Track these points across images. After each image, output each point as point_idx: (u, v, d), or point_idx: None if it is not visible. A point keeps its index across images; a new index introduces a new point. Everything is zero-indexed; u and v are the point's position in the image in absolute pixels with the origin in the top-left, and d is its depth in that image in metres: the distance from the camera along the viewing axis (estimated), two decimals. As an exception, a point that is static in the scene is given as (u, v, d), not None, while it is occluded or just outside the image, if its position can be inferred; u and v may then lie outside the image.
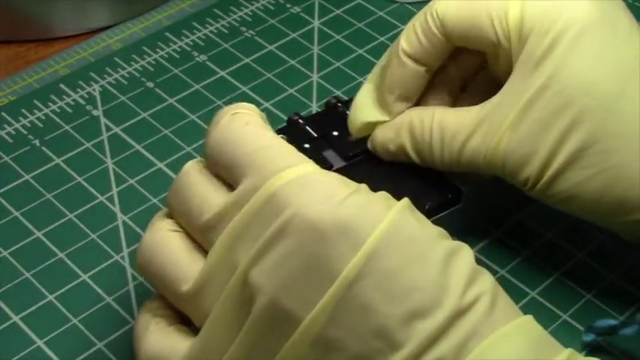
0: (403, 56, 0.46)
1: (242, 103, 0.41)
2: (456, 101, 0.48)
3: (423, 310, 0.35)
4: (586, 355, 0.45)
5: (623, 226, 0.44)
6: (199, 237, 0.39)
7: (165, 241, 0.40)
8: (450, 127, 0.45)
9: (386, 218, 0.36)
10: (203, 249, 0.39)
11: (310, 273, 0.35)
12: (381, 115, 0.47)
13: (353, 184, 0.38)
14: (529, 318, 0.37)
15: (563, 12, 0.43)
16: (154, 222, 0.41)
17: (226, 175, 0.39)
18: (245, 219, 0.37)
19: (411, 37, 0.46)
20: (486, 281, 0.37)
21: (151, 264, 0.40)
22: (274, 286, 0.36)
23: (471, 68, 0.49)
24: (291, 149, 0.38)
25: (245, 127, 0.39)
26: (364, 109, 0.48)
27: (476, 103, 0.45)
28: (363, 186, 0.38)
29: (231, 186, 0.39)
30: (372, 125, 0.48)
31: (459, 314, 0.35)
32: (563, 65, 0.43)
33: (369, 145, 0.48)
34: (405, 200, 0.38)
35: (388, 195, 0.38)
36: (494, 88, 0.45)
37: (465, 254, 0.37)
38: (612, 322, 0.44)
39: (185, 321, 0.40)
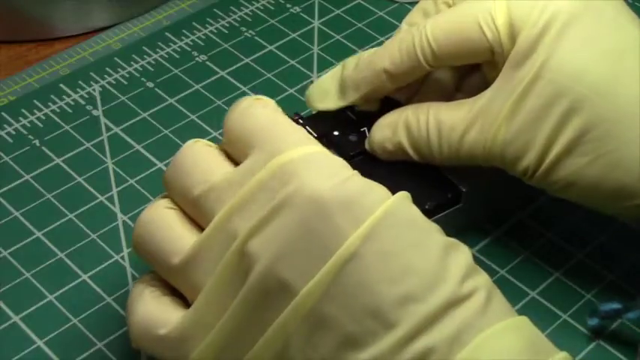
0: (383, 74, 0.47)
1: (261, 96, 0.42)
2: (450, 100, 0.49)
3: (418, 294, 0.35)
4: (590, 338, 0.45)
5: (624, 210, 0.44)
6: (194, 209, 0.39)
7: (160, 217, 0.40)
8: (446, 121, 0.45)
9: (389, 200, 0.36)
10: (197, 224, 0.39)
11: (309, 245, 0.36)
12: (333, 103, 0.49)
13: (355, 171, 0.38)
14: (525, 319, 0.37)
15: (548, 4, 0.44)
16: (151, 203, 0.41)
17: (235, 150, 0.40)
18: (249, 191, 0.37)
19: (395, 59, 0.46)
20: (483, 277, 0.37)
21: (145, 241, 0.40)
22: (272, 256, 0.36)
23: (465, 69, 0.49)
24: (301, 131, 0.39)
25: (262, 109, 0.40)
26: (324, 93, 0.49)
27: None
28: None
29: (236, 163, 0.39)
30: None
31: (454, 303, 0.35)
32: (553, 54, 0.43)
33: (366, 145, 0.48)
34: (405, 192, 0.38)
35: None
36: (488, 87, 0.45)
37: (464, 250, 0.37)
38: (616, 305, 0.44)
39: (180, 296, 0.40)
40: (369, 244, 0.35)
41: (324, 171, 0.37)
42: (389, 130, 0.47)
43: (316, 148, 0.38)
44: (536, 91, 0.43)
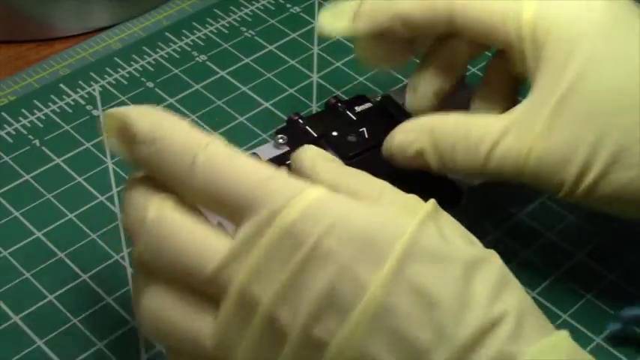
0: (399, 17, 0.46)
1: (174, 120, 0.37)
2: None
3: (447, 329, 0.34)
4: (611, 345, 0.45)
5: None
6: (202, 289, 0.36)
7: (170, 305, 0.37)
8: (475, 132, 0.44)
9: (404, 235, 0.35)
10: (207, 299, 0.36)
11: (337, 301, 0.34)
12: (342, 28, 0.48)
13: (370, 193, 0.37)
14: (562, 334, 0.35)
15: (579, 15, 0.43)
16: (140, 289, 0.37)
17: (221, 212, 0.37)
18: (261, 257, 0.35)
19: (414, 8, 0.46)
20: (514, 294, 0.35)
21: (160, 331, 0.37)
22: (305, 319, 0.34)
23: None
24: (288, 175, 0.36)
25: (231, 160, 0.36)
26: (337, 16, 0.48)
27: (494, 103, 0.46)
28: (385, 187, 0.37)
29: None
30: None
31: (486, 330, 0.34)
32: (588, 68, 0.42)
33: (383, 150, 0.47)
34: (430, 205, 0.36)
35: (414, 199, 0.37)
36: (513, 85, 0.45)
37: (492, 263, 0.36)
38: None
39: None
40: (391, 290, 0.34)
41: (334, 219, 0.35)
42: (412, 135, 0.46)
43: (316, 192, 0.35)
44: (573, 105, 0.42)
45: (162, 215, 0.36)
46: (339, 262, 0.34)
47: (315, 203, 0.35)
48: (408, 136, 0.46)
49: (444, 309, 0.34)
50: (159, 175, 0.37)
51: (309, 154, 0.40)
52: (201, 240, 0.36)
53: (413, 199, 0.37)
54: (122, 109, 0.38)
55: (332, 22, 0.48)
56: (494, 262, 0.36)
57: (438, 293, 0.34)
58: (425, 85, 0.49)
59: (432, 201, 0.37)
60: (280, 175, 0.36)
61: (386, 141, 0.47)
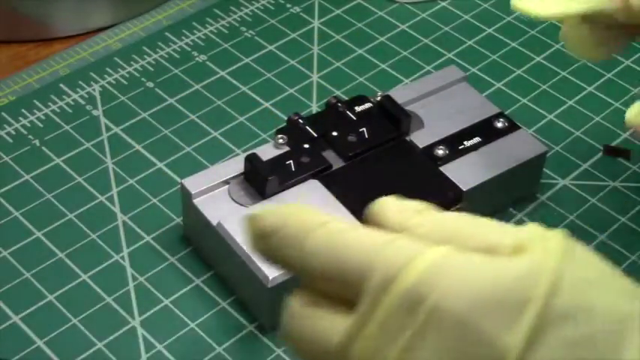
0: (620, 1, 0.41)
1: (298, 206, 0.36)
2: None
3: None
4: None
5: None
6: None
7: None
8: None
9: (539, 291, 0.30)
10: None
11: None
12: (555, 7, 0.42)
13: (493, 244, 0.33)
14: None
15: None
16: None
17: (340, 288, 0.34)
18: (382, 324, 0.32)
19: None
20: None
21: None
22: None
23: None
24: (406, 238, 0.33)
25: (344, 233, 0.34)
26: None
27: None
28: (499, 230, 0.33)
29: (347, 304, 0.34)
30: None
31: None
32: None
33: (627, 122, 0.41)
34: (561, 245, 0.32)
35: (538, 232, 0.33)
36: None
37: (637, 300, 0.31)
38: None
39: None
40: (530, 352, 0.30)
41: (456, 280, 0.31)
42: None
43: (438, 253, 0.32)
44: None
45: (294, 303, 0.35)
46: (466, 326, 0.31)
47: (434, 264, 0.32)
48: None
49: None
50: (283, 264, 0.36)
51: (393, 210, 0.36)
52: (324, 319, 0.34)
53: (541, 236, 0.33)
54: (253, 212, 0.37)
55: (538, 2, 0.43)
56: None
57: (589, 349, 0.30)
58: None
59: (563, 236, 0.32)
60: (394, 240, 0.33)
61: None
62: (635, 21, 0.42)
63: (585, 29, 0.44)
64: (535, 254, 0.32)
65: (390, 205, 0.36)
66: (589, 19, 0.43)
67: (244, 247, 0.44)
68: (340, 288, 0.34)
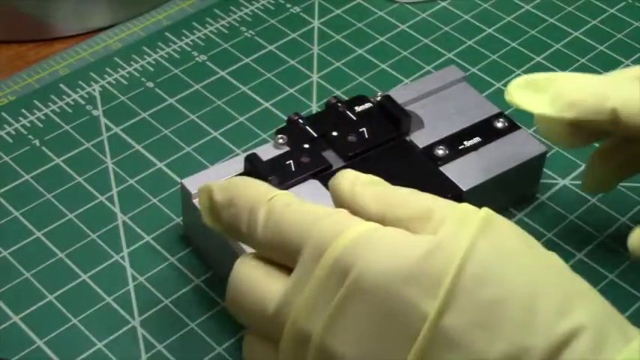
0: (609, 112, 0.42)
1: (248, 182, 0.40)
2: None
3: (511, 354, 0.33)
4: None
5: None
6: (269, 327, 0.38)
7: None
8: None
9: (457, 259, 0.34)
10: (274, 341, 0.38)
11: (390, 331, 0.34)
12: (542, 107, 0.43)
13: (418, 214, 0.36)
14: None
15: None
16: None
17: (282, 258, 0.38)
18: (311, 294, 0.36)
19: (634, 103, 0.42)
20: (585, 308, 0.34)
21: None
22: (359, 352, 0.35)
23: None
24: (342, 213, 0.37)
25: (287, 207, 0.38)
26: (532, 90, 0.44)
27: None
28: (434, 203, 0.37)
29: (289, 270, 0.38)
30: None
31: (556, 350, 0.33)
32: None
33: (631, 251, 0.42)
34: (481, 217, 0.35)
35: (467, 209, 0.36)
36: None
37: (553, 273, 0.35)
38: None
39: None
40: (448, 317, 0.33)
41: (381, 250, 0.35)
42: None
43: (365, 226, 0.36)
44: None
45: (238, 269, 0.39)
46: (388, 292, 0.34)
47: (359, 238, 0.36)
48: None
49: (506, 335, 0.33)
50: (232, 236, 0.40)
51: (347, 183, 0.39)
52: (263, 285, 0.38)
53: (465, 210, 0.36)
54: (206, 183, 0.41)
55: (527, 96, 0.44)
56: (557, 268, 0.35)
57: (500, 314, 0.33)
58: (602, 174, 0.48)
59: (485, 210, 0.36)
60: (331, 214, 0.37)
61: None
62: (622, 133, 0.44)
63: (565, 125, 0.45)
64: (452, 227, 0.35)
65: (346, 175, 0.40)
66: (576, 124, 0.44)
67: (244, 247, 0.44)
68: (281, 258, 0.38)
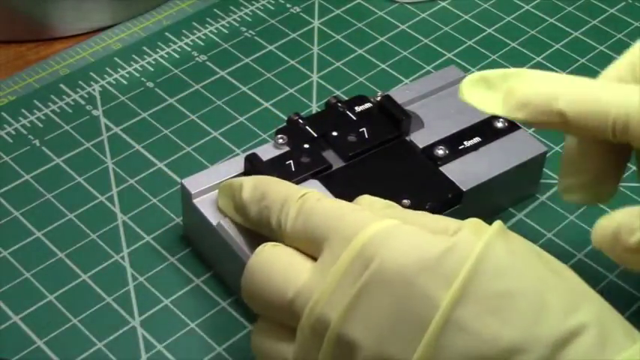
0: (557, 113, 0.40)
1: (305, 189, 0.41)
2: None
3: (521, 345, 0.34)
4: None
5: None
6: (288, 314, 0.39)
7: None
8: None
9: (473, 254, 0.35)
10: (292, 330, 0.39)
11: (406, 319, 0.35)
12: (491, 107, 0.42)
13: (436, 226, 0.38)
14: None
15: None
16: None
17: (308, 247, 0.39)
18: (334, 279, 0.37)
19: (578, 106, 0.39)
20: (591, 305, 0.36)
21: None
22: (374, 338, 0.36)
23: None
24: (369, 211, 0.39)
25: (318, 202, 0.40)
26: (484, 87, 0.42)
27: None
28: (451, 221, 0.38)
29: (312, 260, 0.39)
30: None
31: (561, 344, 0.34)
32: None
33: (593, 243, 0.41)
34: (496, 226, 0.37)
35: (480, 223, 0.38)
36: None
37: (566, 276, 0.37)
38: None
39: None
40: (461, 307, 0.35)
41: (402, 242, 0.36)
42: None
43: (390, 222, 0.38)
44: None
45: (260, 253, 0.40)
46: (406, 282, 0.35)
47: (384, 230, 0.37)
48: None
49: (517, 325, 0.34)
50: (264, 229, 0.42)
51: (366, 202, 0.41)
52: (284, 270, 0.39)
53: (479, 222, 0.38)
54: (230, 181, 0.45)
55: (480, 94, 0.42)
56: (567, 275, 0.37)
57: (511, 306, 0.35)
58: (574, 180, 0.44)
59: (498, 222, 0.37)
60: (360, 209, 0.39)
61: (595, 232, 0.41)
62: (572, 134, 0.42)
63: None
64: (469, 231, 0.37)
65: (363, 199, 0.42)
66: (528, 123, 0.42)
67: (244, 247, 0.44)
68: (307, 248, 0.39)
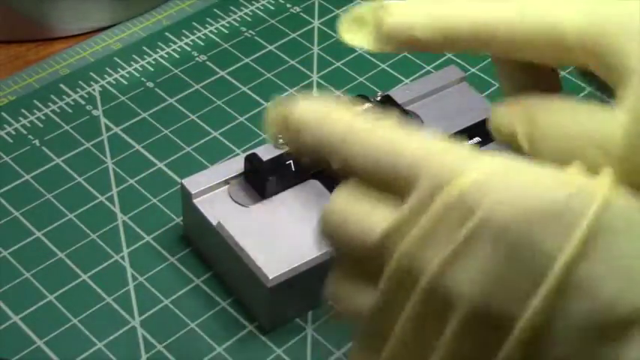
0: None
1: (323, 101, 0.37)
2: None
3: None
4: None
5: None
6: (369, 261, 0.35)
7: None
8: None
9: (594, 205, 0.31)
10: (372, 277, 0.35)
11: (518, 273, 0.32)
12: (366, 43, 0.41)
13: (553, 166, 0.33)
14: None
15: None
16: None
17: (388, 185, 0.34)
18: (426, 227, 0.33)
19: (444, 24, 0.38)
20: None
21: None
22: (477, 293, 0.32)
23: None
24: (466, 148, 0.34)
25: (392, 132, 0.35)
26: (358, 24, 0.41)
27: None
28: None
29: (393, 200, 0.35)
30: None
31: None
32: None
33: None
34: (609, 174, 0.33)
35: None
36: None
37: None
38: None
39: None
40: (580, 262, 0.31)
41: (511, 190, 0.32)
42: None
43: (490, 166, 0.33)
44: None
45: (338, 193, 0.35)
46: (520, 234, 0.32)
47: (489, 176, 0.33)
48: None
49: None
50: (316, 157, 0.36)
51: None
52: (367, 211, 0.35)
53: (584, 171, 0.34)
54: (284, 103, 0.37)
55: (353, 31, 0.42)
56: None
57: (637, 267, 0.31)
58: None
59: (609, 170, 0.33)
60: (456, 147, 0.34)
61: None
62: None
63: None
64: (589, 178, 0.32)
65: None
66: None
67: (244, 247, 0.44)
68: (387, 183, 0.34)
